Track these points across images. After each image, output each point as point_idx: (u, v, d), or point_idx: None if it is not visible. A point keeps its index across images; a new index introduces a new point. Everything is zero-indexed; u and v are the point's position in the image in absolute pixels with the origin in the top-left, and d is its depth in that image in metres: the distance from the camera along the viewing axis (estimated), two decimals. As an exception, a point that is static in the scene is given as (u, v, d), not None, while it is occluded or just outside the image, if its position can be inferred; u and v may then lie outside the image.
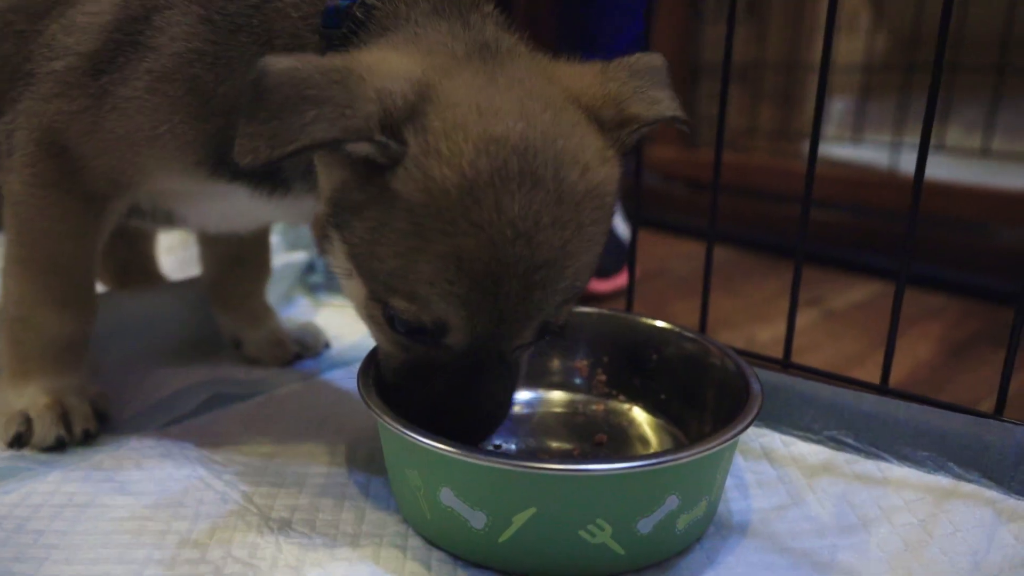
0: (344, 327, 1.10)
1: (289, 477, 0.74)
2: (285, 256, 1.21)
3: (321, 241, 0.66)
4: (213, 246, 0.99)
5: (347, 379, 0.96)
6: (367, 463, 0.76)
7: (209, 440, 0.80)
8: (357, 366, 0.71)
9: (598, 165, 0.58)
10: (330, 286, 1.22)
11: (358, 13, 0.64)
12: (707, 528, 0.67)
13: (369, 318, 0.64)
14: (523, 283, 0.55)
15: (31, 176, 0.74)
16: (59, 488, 0.70)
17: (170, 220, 0.86)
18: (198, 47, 0.67)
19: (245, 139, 0.53)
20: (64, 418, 0.77)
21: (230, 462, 0.76)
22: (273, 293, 1.12)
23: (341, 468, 0.76)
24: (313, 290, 1.23)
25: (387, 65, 0.56)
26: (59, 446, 0.76)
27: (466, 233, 0.53)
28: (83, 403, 0.79)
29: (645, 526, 0.59)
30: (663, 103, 0.64)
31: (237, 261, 0.98)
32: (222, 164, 0.70)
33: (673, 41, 1.96)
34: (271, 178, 0.72)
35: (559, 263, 0.56)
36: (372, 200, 0.57)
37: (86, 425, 0.78)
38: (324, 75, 0.53)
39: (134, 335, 0.96)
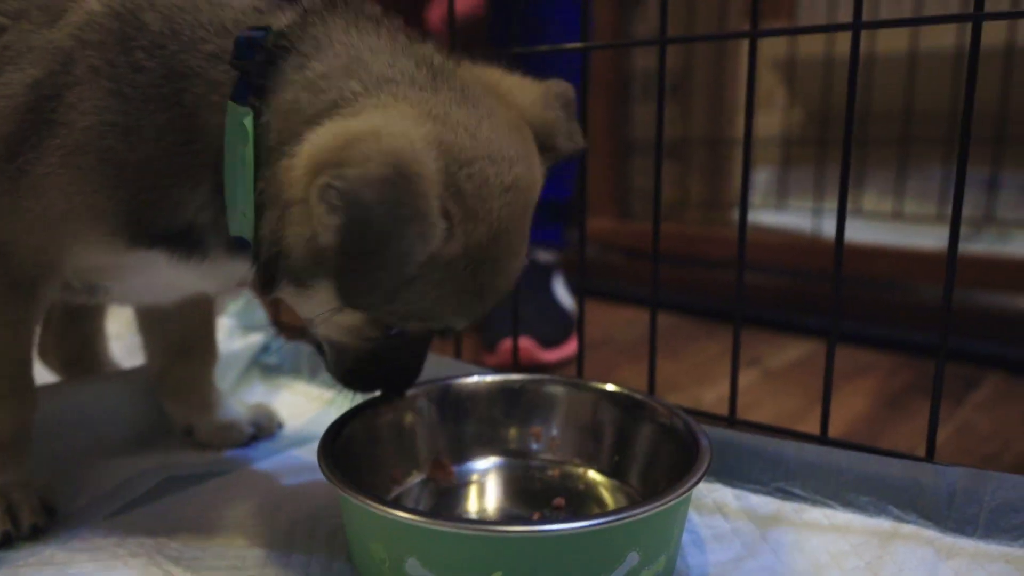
0: (298, 406, 1.09)
1: (249, 560, 0.73)
2: (241, 339, 1.21)
3: (278, 285, 0.68)
4: (156, 334, 0.97)
5: (303, 458, 0.95)
6: (328, 541, 0.76)
7: (164, 526, 0.78)
8: (313, 445, 0.71)
9: (539, 181, 0.69)
10: (287, 368, 1.21)
11: (273, 43, 0.66)
12: (668, 582, 0.68)
13: (349, 332, 0.70)
14: (510, 283, 0.68)
15: None
16: (7, 586, 0.68)
17: (93, 293, 0.83)
18: (109, 119, 0.67)
19: (353, 283, 0.58)
20: (10, 512, 0.75)
21: (187, 548, 0.74)
22: (227, 377, 1.11)
23: (302, 549, 0.75)
24: (268, 372, 1.21)
25: (405, 130, 0.59)
26: (6, 542, 0.74)
27: (490, 269, 0.64)
28: (30, 497, 0.77)
29: None
30: (576, 138, 0.74)
31: (182, 349, 0.97)
32: (139, 232, 0.70)
33: (606, 120, 2.07)
34: (185, 241, 0.71)
35: (524, 265, 0.69)
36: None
37: (34, 519, 0.76)
38: (397, 183, 0.55)
39: (83, 426, 0.94)
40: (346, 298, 0.60)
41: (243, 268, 0.73)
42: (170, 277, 0.76)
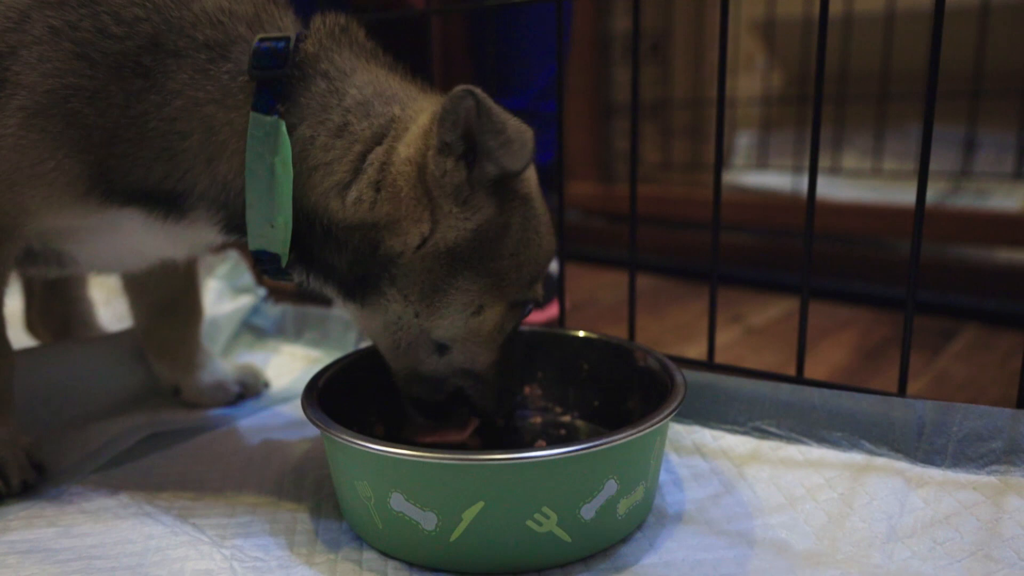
0: (284, 366, 1.11)
1: (239, 508, 0.74)
2: (230, 302, 1.21)
3: (414, 313, 0.72)
4: (141, 295, 0.98)
5: (289, 414, 0.96)
6: (316, 490, 0.78)
7: (153, 481, 0.80)
8: (299, 402, 0.72)
9: None
10: (274, 329, 1.22)
11: (295, 58, 0.69)
12: (647, 516, 0.70)
13: (491, 336, 0.74)
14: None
15: None
16: (0, 537, 0.69)
17: (61, 263, 0.83)
18: (73, 82, 0.67)
19: (503, 147, 0.65)
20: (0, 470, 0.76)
21: (177, 498, 0.76)
22: (218, 340, 1.12)
23: (291, 496, 0.76)
24: (257, 334, 1.22)
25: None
26: None
27: (544, 206, 0.73)
28: (17, 455, 0.78)
29: (588, 512, 0.62)
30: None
31: (167, 308, 0.98)
32: (111, 190, 0.70)
33: (585, 83, 2.07)
34: (166, 201, 0.71)
35: None
36: (515, 214, 0.70)
37: (23, 475, 0.77)
38: (487, 103, 0.63)
39: (70, 388, 0.95)
40: (483, 175, 0.66)
41: (215, 234, 0.75)
42: (137, 242, 0.76)
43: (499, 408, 0.78)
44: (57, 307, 1.09)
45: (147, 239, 0.76)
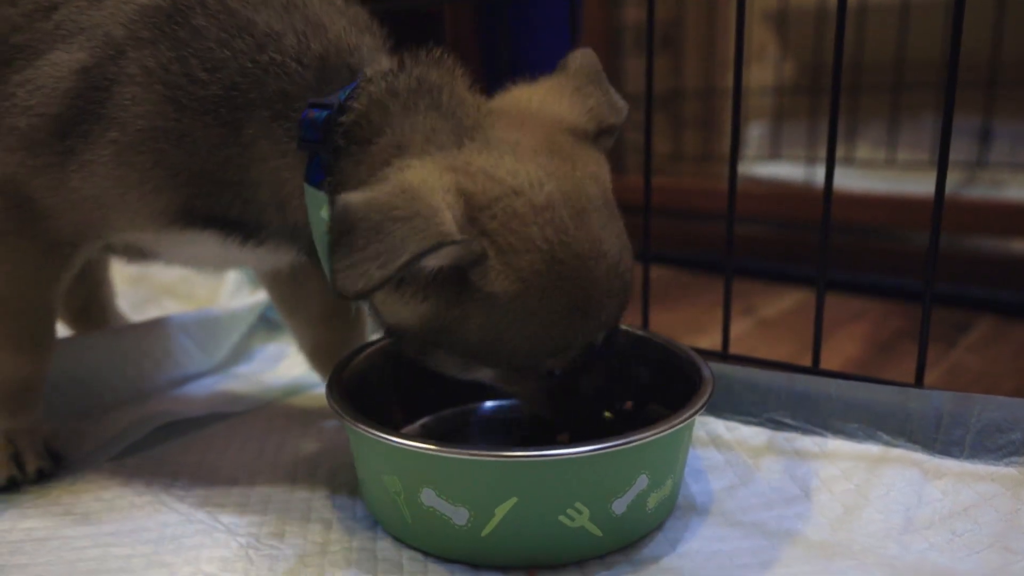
0: (296, 356, 1.10)
1: (254, 496, 0.74)
2: (248, 296, 1.21)
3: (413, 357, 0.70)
4: (296, 310, 0.96)
5: (302, 405, 0.97)
6: (330, 478, 0.78)
7: (168, 468, 0.80)
8: (311, 393, 0.72)
9: (599, 170, 0.68)
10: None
11: (342, 126, 0.65)
12: (672, 508, 0.70)
13: (496, 380, 0.70)
14: (618, 278, 0.65)
15: None
16: (16, 525, 0.70)
17: (143, 256, 0.85)
18: (162, 125, 0.68)
19: (349, 271, 0.56)
20: (16, 458, 0.77)
21: (192, 486, 0.76)
22: (234, 333, 1.12)
23: (305, 484, 0.77)
24: (272, 327, 1.21)
25: (428, 179, 0.60)
26: (12, 486, 0.76)
27: (569, 289, 0.62)
28: (36, 442, 0.78)
29: (620, 506, 0.62)
30: (619, 106, 0.74)
31: (327, 315, 0.95)
32: (193, 218, 0.71)
33: (597, 75, 2.05)
34: (243, 230, 0.72)
35: (624, 247, 0.67)
36: (474, 310, 0.62)
37: (39, 464, 0.77)
38: (401, 196, 0.57)
39: (87, 380, 0.95)
40: (334, 284, 0.58)
41: (295, 255, 0.76)
42: (220, 252, 0.77)
43: (555, 424, 0.73)
44: (80, 289, 1.09)
45: (229, 252, 0.76)
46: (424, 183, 0.59)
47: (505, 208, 0.60)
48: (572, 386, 0.70)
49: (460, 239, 0.57)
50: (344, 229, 0.57)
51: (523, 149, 0.64)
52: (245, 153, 0.69)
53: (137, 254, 0.84)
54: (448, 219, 0.57)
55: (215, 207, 0.71)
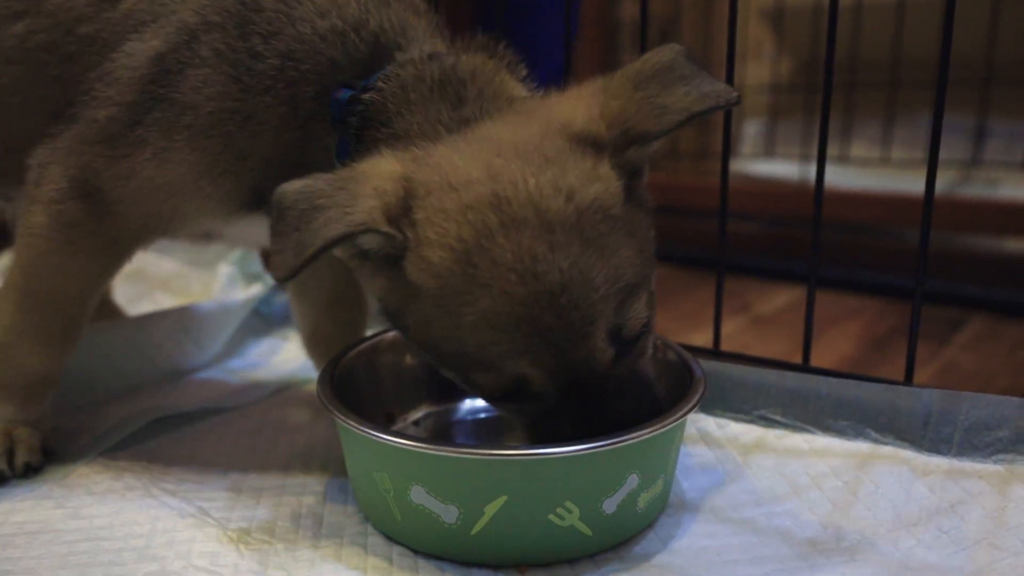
0: (290, 351, 1.11)
1: (245, 490, 0.75)
2: (242, 290, 1.21)
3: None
4: (304, 293, 0.97)
5: (295, 399, 0.97)
6: (322, 473, 0.78)
7: (160, 463, 0.80)
8: (303, 388, 0.72)
9: (586, 185, 0.59)
10: (280, 318, 1.22)
11: (360, 107, 0.67)
12: (664, 507, 0.70)
13: (470, 387, 0.66)
14: (554, 312, 0.57)
15: (57, 212, 0.73)
16: (7, 519, 0.70)
17: (209, 237, 0.86)
18: (230, 106, 0.69)
19: (276, 256, 0.59)
20: (8, 452, 0.77)
21: (183, 480, 0.76)
22: (228, 327, 1.12)
23: (296, 479, 0.77)
24: (266, 321, 1.21)
25: (377, 167, 0.61)
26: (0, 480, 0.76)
27: (480, 297, 0.57)
28: (32, 437, 0.78)
29: (610, 505, 0.62)
30: (674, 109, 0.61)
31: (332, 305, 0.96)
32: (260, 203, 0.71)
33: (593, 69, 2.05)
34: None
35: (576, 281, 0.57)
36: (407, 297, 0.61)
37: (28, 458, 0.77)
38: (331, 184, 0.59)
39: (80, 374, 0.94)
40: (271, 266, 0.61)
41: None
42: None
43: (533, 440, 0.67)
44: None
45: None
46: (368, 171, 0.60)
47: (435, 201, 0.59)
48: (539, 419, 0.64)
49: (378, 228, 0.58)
50: (276, 216, 0.59)
51: (496, 147, 0.61)
52: (302, 134, 0.70)
53: (203, 238, 0.85)
54: (369, 207, 0.58)
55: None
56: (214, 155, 0.70)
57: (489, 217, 0.57)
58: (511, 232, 0.57)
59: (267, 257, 0.80)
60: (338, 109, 0.68)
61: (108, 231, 0.75)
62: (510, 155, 0.60)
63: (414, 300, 0.61)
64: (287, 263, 0.58)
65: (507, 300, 0.57)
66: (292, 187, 0.60)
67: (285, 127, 0.69)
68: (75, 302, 0.78)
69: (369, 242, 0.60)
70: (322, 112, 0.69)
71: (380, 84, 0.67)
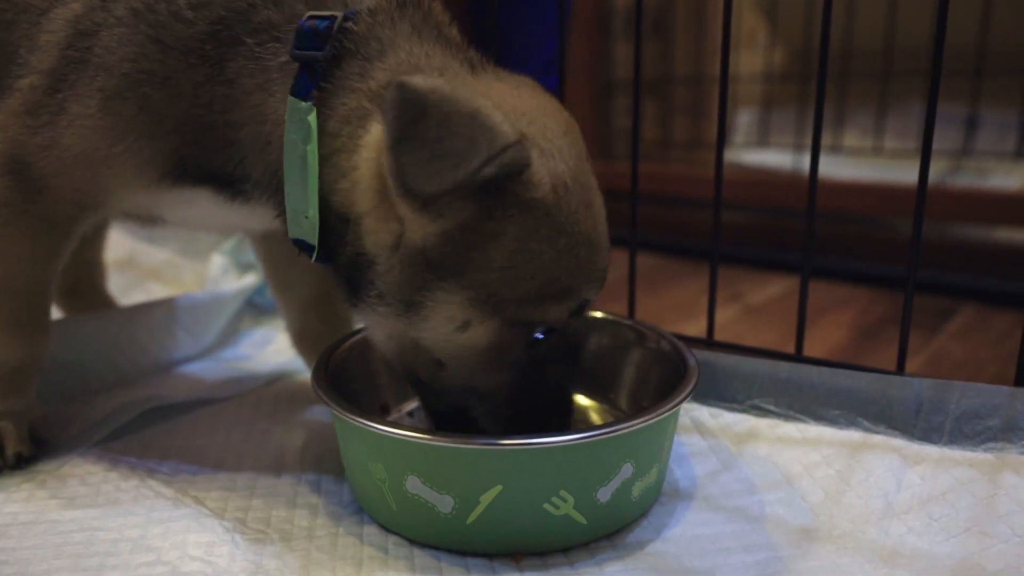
0: (283, 342, 1.11)
1: (240, 481, 0.75)
2: (235, 281, 1.20)
3: (387, 314, 0.64)
4: (289, 290, 0.95)
5: (289, 390, 0.97)
6: (316, 464, 0.78)
7: (154, 452, 0.80)
8: (297, 378, 0.72)
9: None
10: (276, 307, 1.21)
11: (339, 36, 0.64)
12: (658, 496, 0.71)
13: (487, 357, 0.64)
14: (605, 241, 0.65)
15: None
16: (1, 509, 0.69)
17: (153, 220, 0.83)
18: (147, 67, 0.67)
19: (421, 167, 0.53)
20: None
21: (178, 471, 0.76)
22: (221, 318, 1.11)
23: (291, 470, 0.77)
24: (260, 312, 1.21)
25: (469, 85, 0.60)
26: None
27: (583, 218, 0.61)
28: (20, 427, 0.78)
29: (604, 494, 0.63)
30: None
31: (317, 302, 0.94)
32: (183, 174, 0.70)
33: (586, 58, 2.05)
34: (230, 186, 0.71)
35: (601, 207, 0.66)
36: (508, 225, 0.58)
37: (18, 448, 0.76)
38: (464, 91, 0.54)
39: (73, 364, 0.95)
40: (405, 186, 0.54)
41: (275, 219, 0.72)
42: (216, 211, 0.75)
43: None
44: (72, 268, 1.08)
45: (225, 213, 0.75)
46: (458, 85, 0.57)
47: (537, 120, 0.60)
48: (539, 375, 0.66)
49: (517, 141, 0.54)
50: (414, 116, 0.52)
51: (531, 89, 0.65)
52: (228, 92, 0.67)
53: (146, 219, 0.82)
54: (503, 119, 0.54)
55: (201, 158, 0.69)
56: (128, 118, 0.67)
57: (576, 143, 0.63)
58: (585, 162, 0.63)
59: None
60: (311, 38, 0.64)
61: (40, 210, 0.72)
62: (549, 99, 0.65)
63: (523, 221, 0.58)
64: (443, 176, 0.52)
65: (596, 220, 0.62)
66: (423, 81, 0.53)
67: (208, 84, 0.67)
68: (30, 287, 0.76)
69: (499, 162, 0.54)
70: (253, 66, 0.66)
71: (359, 17, 0.65)
